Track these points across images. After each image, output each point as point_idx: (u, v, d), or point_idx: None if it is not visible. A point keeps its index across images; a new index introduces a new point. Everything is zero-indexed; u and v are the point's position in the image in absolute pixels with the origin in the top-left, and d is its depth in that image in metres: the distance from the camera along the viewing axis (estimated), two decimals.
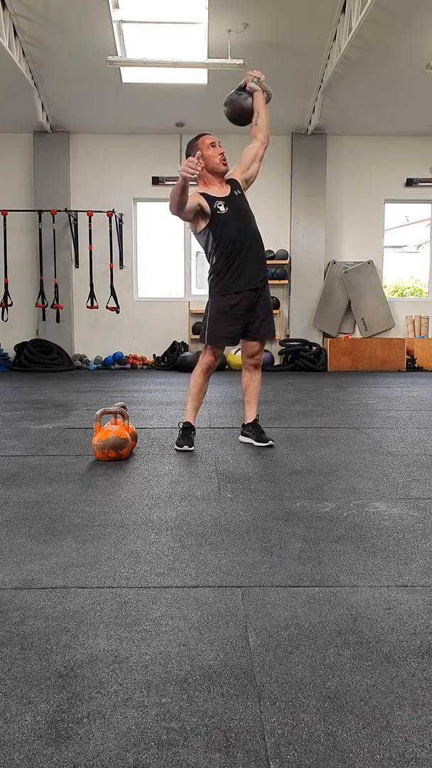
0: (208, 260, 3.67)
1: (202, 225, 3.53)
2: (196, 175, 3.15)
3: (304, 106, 8.51)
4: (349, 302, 9.47)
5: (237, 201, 3.57)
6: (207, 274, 3.77)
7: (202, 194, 3.51)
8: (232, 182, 3.63)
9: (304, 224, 9.36)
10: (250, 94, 3.64)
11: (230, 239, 3.52)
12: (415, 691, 1.27)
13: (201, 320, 3.96)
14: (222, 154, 3.56)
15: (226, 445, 3.74)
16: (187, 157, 3.50)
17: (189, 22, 6.83)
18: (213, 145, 3.54)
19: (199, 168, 3.15)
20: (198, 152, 3.24)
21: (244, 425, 3.84)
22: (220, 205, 3.50)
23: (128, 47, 7.22)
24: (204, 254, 3.73)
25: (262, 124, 3.64)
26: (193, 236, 4.08)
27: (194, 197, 3.45)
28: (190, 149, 3.55)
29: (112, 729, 1.16)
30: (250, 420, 3.79)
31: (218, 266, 3.59)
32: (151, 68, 7.13)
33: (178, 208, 3.32)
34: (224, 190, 3.58)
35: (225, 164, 3.57)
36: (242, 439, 3.82)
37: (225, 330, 3.61)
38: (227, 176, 3.63)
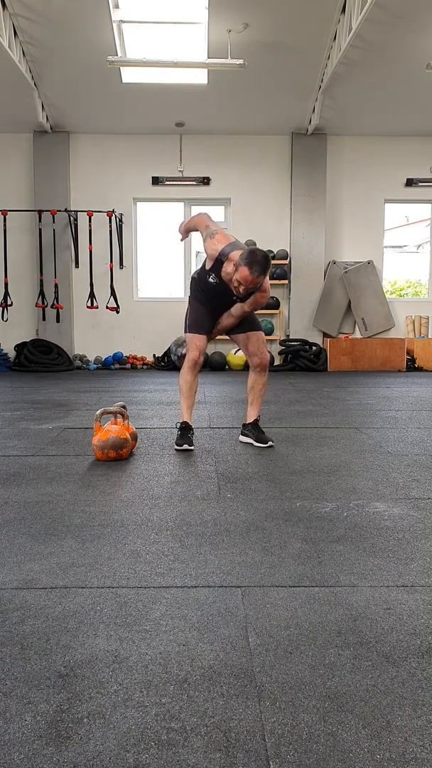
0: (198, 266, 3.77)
1: (208, 256, 3.55)
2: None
3: (304, 106, 8.51)
4: (349, 302, 9.48)
5: (231, 292, 3.51)
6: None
7: (218, 261, 3.47)
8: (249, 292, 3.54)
9: (304, 224, 9.36)
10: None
11: (204, 291, 3.64)
12: (415, 691, 1.27)
13: None
14: (240, 293, 3.41)
15: (226, 445, 3.74)
16: (231, 261, 3.40)
17: (189, 22, 6.84)
18: (239, 284, 3.32)
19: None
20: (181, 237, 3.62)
21: (244, 425, 3.84)
22: (213, 279, 3.54)
23: (128, 47, 7.22)
24: (203, 253, 3.75)
25: (248, 306, 3.59)
26: (193, 236, 4.09)
27: (216, 244, 3.45)
28: (237, 260, 3.32)
29: (112, 729, 1.16)
30: (250, 420, 3.79)
31: (196, 278, 3.73)
32: (151, 68, 7.14)
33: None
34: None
35: (239, 293, 3.40)
36: (242, 438, 3.82)
37: (204, 314, 3.68)
38: (256, 293, 3.53)
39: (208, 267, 3.55)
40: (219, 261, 3.47)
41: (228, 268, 3.44)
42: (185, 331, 3.74)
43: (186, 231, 3.81)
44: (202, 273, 3.65)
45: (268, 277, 3.45)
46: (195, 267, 9.66)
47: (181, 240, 3.92)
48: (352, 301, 9.45)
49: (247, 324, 3.72)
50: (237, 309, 3.63)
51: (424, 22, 6.50)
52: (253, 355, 3.76)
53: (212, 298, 3.64)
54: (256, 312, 3.75)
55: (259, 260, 3.25)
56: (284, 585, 1.77)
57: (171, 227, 9.50)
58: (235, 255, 3.37)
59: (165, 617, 1.58)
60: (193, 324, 3.70)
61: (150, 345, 9.48)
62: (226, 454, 3.50)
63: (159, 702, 1.24)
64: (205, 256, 3.58)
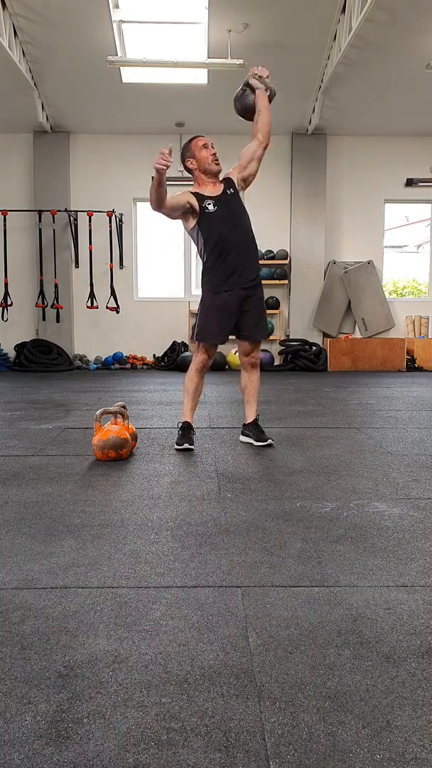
0: (201, 258, 3.71)
1: (192, 222, 3.58)
2: (168, 166, 3.12)
3: (304, 106, 8.51)
4: (349, 302, 9.47)
5: (228, 200, 3.59)
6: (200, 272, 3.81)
7: (194, 193, 3.56)
8: (226, 181, 3.65)
9: (304, 224, 9.36)
10: (253, 91, 3.64)
11: (219, 237, 3.55)
12: (415, 691, 1.27)
13: None
14: (214, 154, 3.58)
15: (226, 445, 3.74)
16: (182, 161, 3.55)
17: (189, 22, 6.83)
18: (205, 146, 3.57)
19: (170, 159, 3.12)
20: (170, 145, 3.20)
21: (244, 425, 3.84)
22: (209, 204, 3.53)
23: (128, 47, 7.22)
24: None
25: (262, 123, 3.63)
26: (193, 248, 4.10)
27: (184, 195, 3.52)
28: (184, 152, 3.62)
29: (112, 729, 1.16)
30: (249, 420, 3.80)
31: (208, 264, 3.63)
32: (151, 68, 7.13)
33: (157, 203, 3.36)
34: (216, 190, 3.61)
35: (217, 164, 3.58)
36: (242, 438, 3.82)
37: (215, 328, 3.64)
38: (224, 175, 3.66)
39: (198, 207, 3.51)
40: (193, 194, 3.52)
41: (193, 188, 3.57)
42: (193, 339, 3.72)
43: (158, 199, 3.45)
44: (201, 222, 3.53)
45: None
46: (195, 267, 9.66)
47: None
48: (352, 301, 9.45)
49: (256, 334, 3.73)
50: (260, 107, 3.60)
51: (424, 22, 6.50)
52: (247, 355, 3.78)
53: (226, 228, 3.53)
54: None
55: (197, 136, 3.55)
56: (284, 585, 1.77)
57: (171, 227, 9.51)
58: (163, 149, 3.23)
59: (165, 617, 1.58)
60: (202, 334, 3.64)
61: (150, 345, 9.47)
62: (226, 454, 3.50)
63: (159, 702, 1.24)
64: (191, 233, 3.63)
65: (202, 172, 3.59)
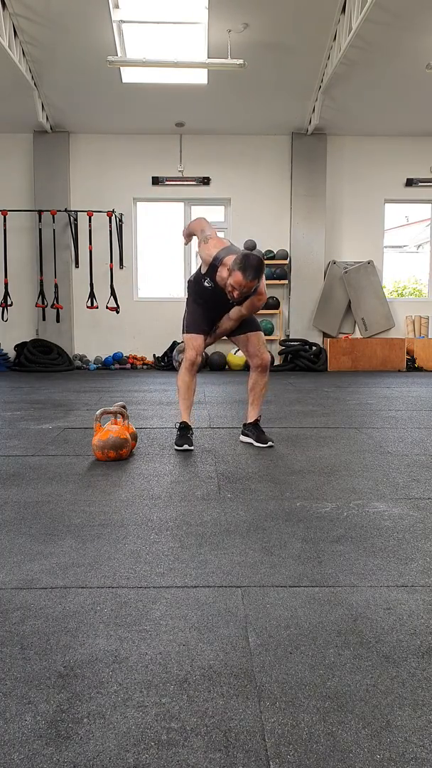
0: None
1: (203, 261, 3.58)
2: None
3: (304, 106, 8.51)
4: (349, 302, 9.47)
5: (226, 296, 3.50)
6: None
7: (213, 265, 3.47)
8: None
9: (304, 224, 9.36)
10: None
11: (204, 305, 3.66)
12: (415, 691, 1.27)
13: None
14: (234, 297, 3.38)
15: (226, 445, 3.74)
16: (226, 265, 3.40)
17: (189, 22, 6.83)
18: (233, 288, 3.31)
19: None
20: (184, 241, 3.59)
21: (245, 425, 3.84)
22: (209, 283, 3.54)
23: (128, 47, 7.22)
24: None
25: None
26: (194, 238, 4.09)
27: (206, 252, 3.50)
28: (231, 264, 3.32)
29: (112, 729, 1.16)
30: (251, 420, 3.79)
31: (191, 297, 3.74)
32: (151, 68, 7.13)
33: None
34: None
35: (232, 297, 3.39)
36: (242, 438, 3.82)
37: (201, 315, 3.68)
38: (252, 297, 3.52)
39: (203, 272, 3.56)
40: (213, 266, 3.48)
41: (222, 272, 3.43)
42: (183, 332, 3.75)
43: (188, 235, 3.83)
44: (198, 276, 3.65)
45: (264, 280, 3.45)
46: (195, 267, 9.66)
47: (185, 244, 3.94)
48: (352, 301, 9.45)
49: (246, 325, 3.72)
50: (235, 312, 3.62)
51: (424, 22, 6.50)
52: (253, 356, 3.75)
53: (208, 301, 3.64)
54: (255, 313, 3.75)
55: (253, 264, 3.24)
56: (284, 585, 1.77)
57: (171, 227, 9.52)
58: (229, 259, 3.38)
59: (165, 617, 1.58)
60: (191, 324, 3.71)
61: (150, 345, 9.47)
62: (226, 454, 3.50)
63: (159, 702, 1.24)
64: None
65: (218, 279, 3.48)
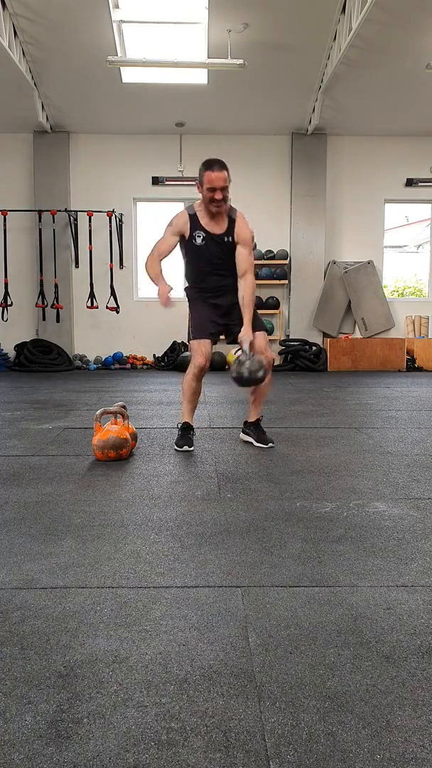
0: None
1: (179, 240, 3.58)
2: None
3: (304, 106, 8.51)
4: (349, 302, 9.48)
5: (218, 245, 3.52)
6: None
7: (192, 215, 3.51)
8: (231, 224, 3.52)
9: (304, 224, 9.37)
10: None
11: (198, 271, 3.64)
12: (415, 691, 1.27)
13: None
14: (218, 200, 3.40)
15: (226, 445, 3.74)
16: (198, 182, 3.44)
17: (189, 22, 6.83)
18: (212, 189, 3.37)
19: (169, 304, 3.43)
20: (167, 300, 3.44)
21: (245, 423, 3.83)
22: (198, 236, 3.52)
23: (128, 47, 7.22)
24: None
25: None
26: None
27: (177, 227, 3.52)
28: (199, 175, 3.44)
29: (112, 729, 1.16)
30: (252, 419, 3.79)
31: (188, 279, 3.77)
32: (151, 68, 7.14)
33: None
34: (216, 227, 3.52)
35: (217, 207, 3.43)
36: (243, 436, 3.82)
37: (206, 319, 3.66)
38: (237, 219, 3.53)
39: (187, 237, 3.52)
40: (191, 219, 3.50)
41: (199, 208, 3.51)
42: (189, 339, 3.72)
43: (157, 273, 3.58)
44: (189, 249, 3.58)
45: (249, 226, 3.55)
46: None
47: (167, 292, 3.52)
48: (352, 301, 9.45)
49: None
50: (242, 289, 3.52)
51: (424, 22, 6.50)
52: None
53: (208, 259, 3.56)
54: (259, 311, 3.75)
55: (213, 159, 3.41)
56: (284, 585, 1.77)
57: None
58: (195, 203, 3.51)
59: (165, 617, 1.58)
60: (196, 329, 3.65)
61: (150, 345, 9.47)
62: (226, 454, 3.50)
63: (159, 702, 1.24)
64: (183, 254, 3.66)
65: (201, 212, 3.51)
